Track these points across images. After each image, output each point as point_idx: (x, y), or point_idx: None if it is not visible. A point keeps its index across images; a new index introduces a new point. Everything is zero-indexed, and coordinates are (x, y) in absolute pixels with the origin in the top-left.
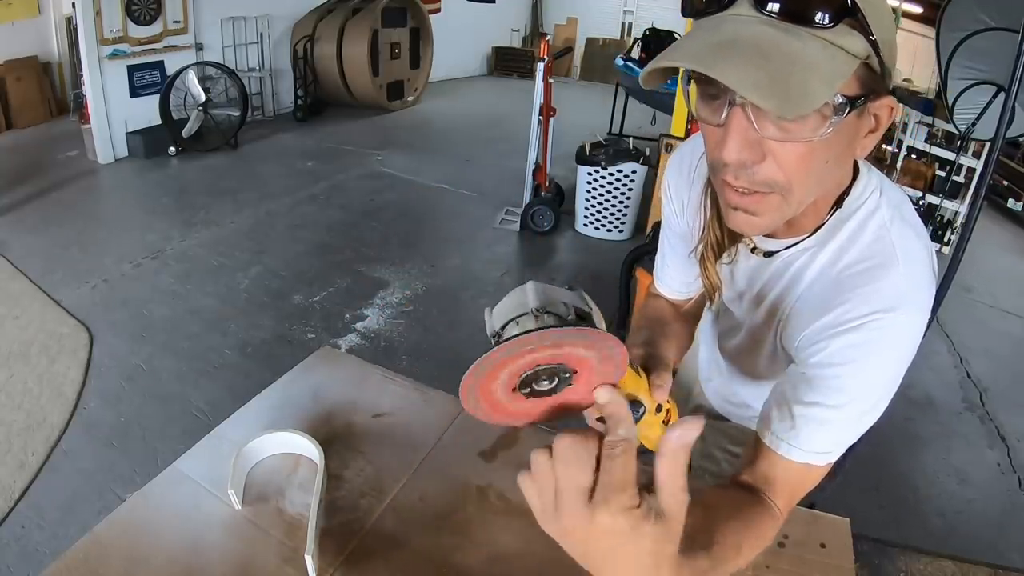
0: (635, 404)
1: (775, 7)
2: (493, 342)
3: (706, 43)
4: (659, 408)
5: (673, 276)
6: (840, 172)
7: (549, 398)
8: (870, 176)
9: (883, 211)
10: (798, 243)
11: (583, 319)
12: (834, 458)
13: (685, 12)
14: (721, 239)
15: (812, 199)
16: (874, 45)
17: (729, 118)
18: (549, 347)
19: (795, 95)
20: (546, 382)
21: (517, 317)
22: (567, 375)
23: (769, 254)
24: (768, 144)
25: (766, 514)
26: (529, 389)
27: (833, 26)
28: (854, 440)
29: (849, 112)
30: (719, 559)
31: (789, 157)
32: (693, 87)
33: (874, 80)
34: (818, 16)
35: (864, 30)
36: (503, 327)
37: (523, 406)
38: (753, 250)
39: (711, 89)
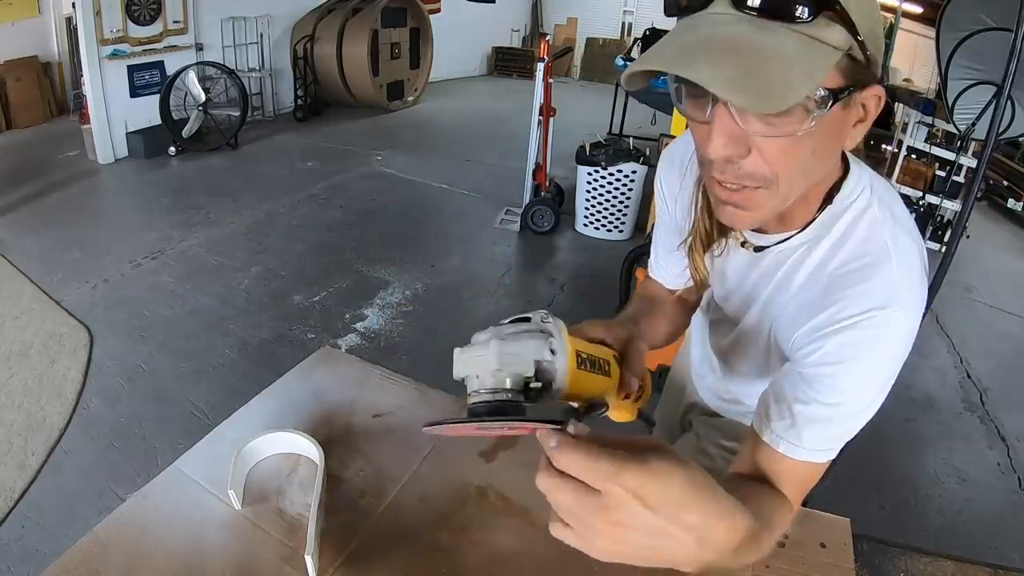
0: (596, 405)
1: (752, 3)
2: (465, 411)
3: (680, 44)
4: (627, 396)
5: (665, 268)
6: (828, 163)
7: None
8: (861, 173)
9: (875, 208)
10: (789, 239)
11: (536, 392)
12: (833, 455)
13: (668, 12)
14: (710, 231)
15: (801, 191)
16: (855, 35)
17: (713, 115)
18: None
19: (773, 91)
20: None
21: (475, 390)
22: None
23: (759, 249)
24: (753, 139)
25: (785, 500)
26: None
27: (811, 20)
28: (851, 436)
29: (833, 105)
30: (758, 525)
31: (774, 150)
32: (680, 86)
33: (859, 71)
34: (795, 11)
35: (845, 21)
36: (465, 379)
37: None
38: (743, 244)
39: (695, 88)
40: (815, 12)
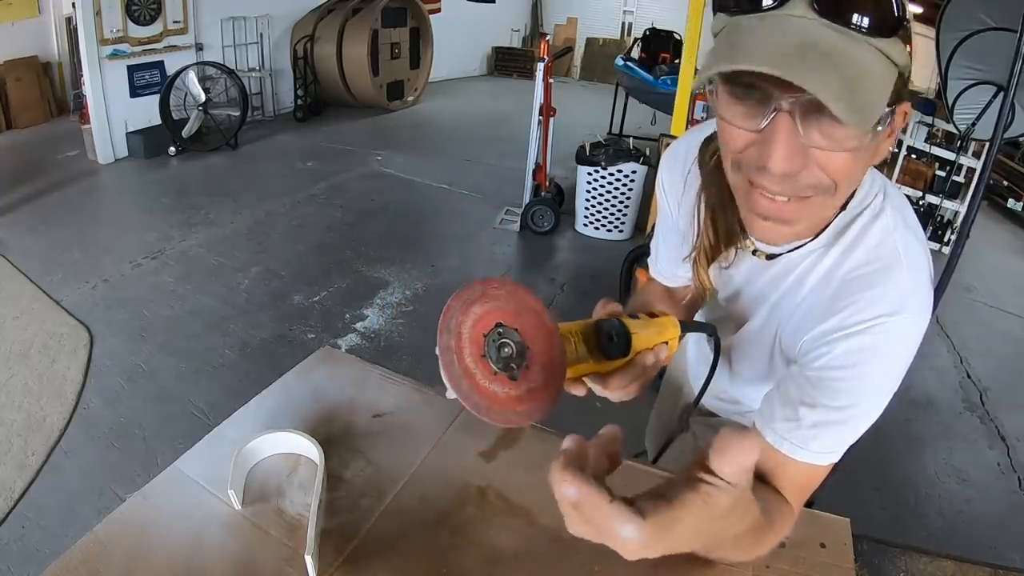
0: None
1: (837, 11)
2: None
3: (777, 45)
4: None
5: (665, 266)
6: (864, 174)
7: (519, 383)
8: (874, 178)
9: (888, 214)
10: (802, 246)
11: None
12: (836, 458)
13: (720, 7)
14: (716, 244)
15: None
16: (911, 55)
17: (774, 125)
18: (479, 299)
19: (864, 106)
20: (507, 348)
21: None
22: (520, 344)
23: (771, 257)
24: (811, 151)
25: (784, 502)
26: (498, 360)
27: (890, 36)
28: (855, 440)
29: (889, 120)
30: (765, 522)
31: (836, 164)
32: (718, 88)
33: (902, 87)
34: (880, 26)
35: (907, 41)
36: None
37: (497, 387)
38: (754, 253)
39: (749, 92)
40: (894, 29)
